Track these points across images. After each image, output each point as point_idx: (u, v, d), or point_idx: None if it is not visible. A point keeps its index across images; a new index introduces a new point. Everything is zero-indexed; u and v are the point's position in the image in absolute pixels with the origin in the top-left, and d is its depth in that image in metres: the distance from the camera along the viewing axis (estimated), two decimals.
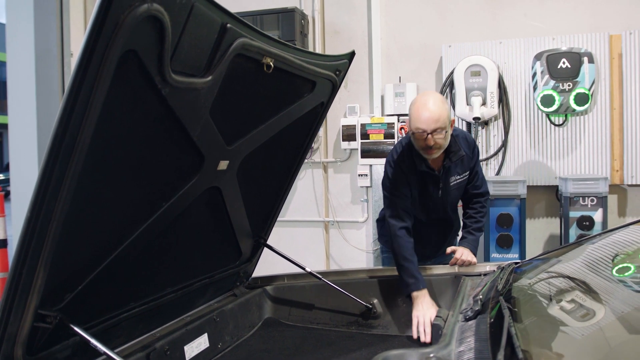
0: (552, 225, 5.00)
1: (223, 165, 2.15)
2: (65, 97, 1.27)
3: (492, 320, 1.80)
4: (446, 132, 2.65)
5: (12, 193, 6.05)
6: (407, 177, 2.86)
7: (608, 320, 1.74)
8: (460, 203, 3.16)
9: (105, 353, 1.58)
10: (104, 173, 1.54)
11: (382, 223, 3.26)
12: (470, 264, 2.80)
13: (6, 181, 10.37)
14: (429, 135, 2.61)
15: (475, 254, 2.90)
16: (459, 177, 2.93)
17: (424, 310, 2.54)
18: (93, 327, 1.78)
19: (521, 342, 1.56)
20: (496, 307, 1.88)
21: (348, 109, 5.40)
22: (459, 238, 3.12)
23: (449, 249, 2.92)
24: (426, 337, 2.45)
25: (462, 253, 2.83)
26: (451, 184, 2.92)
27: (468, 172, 2.96)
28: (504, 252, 4.45)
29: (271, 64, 2.02)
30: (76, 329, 1.59)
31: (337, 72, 2.58)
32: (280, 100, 2.37)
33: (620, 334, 1.63)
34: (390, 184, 2.88)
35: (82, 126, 1.33)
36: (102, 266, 1.72)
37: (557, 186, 4.87)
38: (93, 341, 1.58)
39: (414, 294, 2.60)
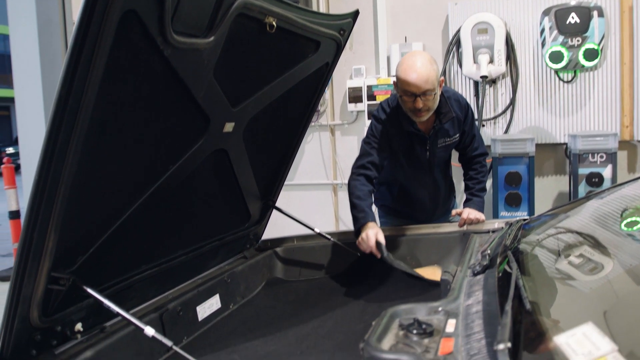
0: (561, 183, 4.99)
1: (229, 127, 2.15)
2: (67, 59, 1.27)
3: (500, 274, 1.81)
4: (435, 93, 2.58)
5: (22, 166, 6.10)
6: (390, 137, 2.80)
7: (616, 273, 1.74)
8: (456, 163, 3.14)
9: (118, 313, 1.61)
10: (109, 135, 1.55)
11: (377, 187, 3.23)
12: (479, 221, 2.78)
13: (16, 154, 10.44)
14: (418, 98, 2.55)
15: (483, 213, 2.87)
16: (448, 139, 2.86)
17: (368, 233, 2.51)
18: (106, 289, 1.81)
19: (529, 294, 1.57)
20: (504, 262, 1.89)
21: (354, 70, 5.35)
22: (463, 201, 3.06)
23: (454, 211, 2.90)
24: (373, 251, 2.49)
25: (469, 212, 2.80)
26: (439, 146, 2.86)
27: (459, 135, 2.89)
28: (512, 211, 4.46)
29: (274, 23, 2.00)
30: (89, 290, 1.61)
31: (342, 32, 2.55)
32: (285, 61, 2.35)
33: (628, 286, 1.64)
34: (368, 137, 2.83)
35: (85, 88, 1.33)
36: (113, 229, 1.74)
37: (566, 143, 4.84)
38: (106, 302, 1.61)
39: (364, 226, 2.57)
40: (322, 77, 2.71)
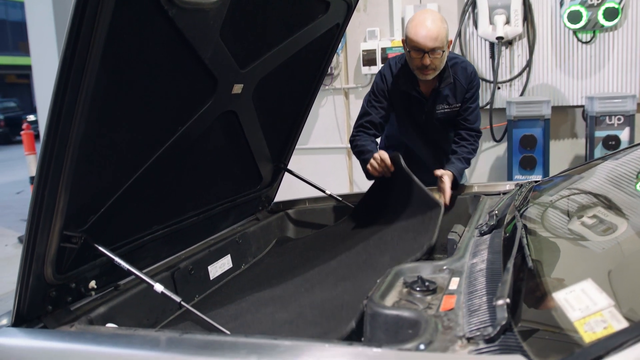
0: (578, 146, 4.94)
1: (237, 89, 2.15)
2: (71, 19, 1.28)
3: (507, 234, 1.82)
4: (443, 52, 2.58)
5: (41, 132, 6.17)
6: (391, 94, 2.81)
7: (626, 234, 1.74)
8: None
9: (129, 270, 1.65)
10: (116, 96, 1.56)
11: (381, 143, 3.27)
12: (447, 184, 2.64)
13: (37, 122, 10.57)
14: (426, 55, 2.55)
15: (459, 183, 2.76)
16: (447, 106, 2.82)
17: (379, 153, 2.56)
18: (118, 248, 1.85)
19: (532, 252, 1.58)
20: (512, 222, 1.90)
21: (368, 33, 5.29)
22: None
23: (436, 171, 2.72)
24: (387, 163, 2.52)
25: (443, 173, 2.66)
26: (437, 111, 2.83)
27: (459, 104, 2.84)
28: (527, 174, 4.43)
29: None
30: (101, 248, 1.65)
31: None
32: (293, 22, 2.33)
33: (636, 246, 1.64)
34: (369, 95, 2.88)
35: (90, 49, 1.34)
36: (123, 189, 1.77)
37: (583, 106, 4.76)
38: (117, 259, 1.65)
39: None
40: (333, 38, 2.69)
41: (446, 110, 2.85)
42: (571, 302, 1.19)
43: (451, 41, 2.70)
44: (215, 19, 1.79)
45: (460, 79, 2.78)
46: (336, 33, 2.67)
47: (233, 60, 2.03)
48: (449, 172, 2.69)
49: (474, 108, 2.87)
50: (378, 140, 2.91)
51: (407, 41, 2.62)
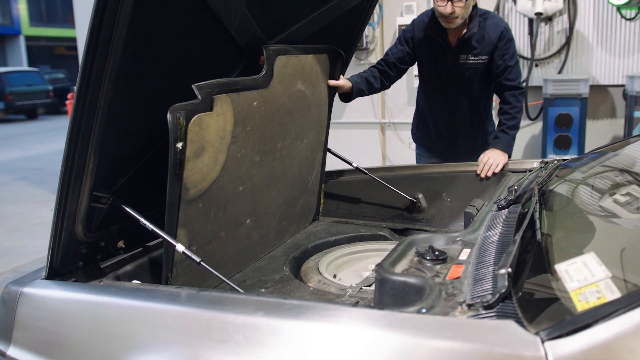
0: (616, 127, 4.83)
1: (264, 60, 2.20)
2: None
3: (525, 210, 1.83)
4: (467, 1, 2.66)
5: None
6: (416, 42, 2.95)
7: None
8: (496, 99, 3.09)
9: (154, 231, 1.73)
10: (143, 65, 1.63)
11: (413, 122, 3.37)
12: (498, 166, 2.71)
13: None
14: (449, 3, 2.65)
15: (509, 154, 2.81)
16: (473, 57, 2.85)
17: None
18: (146, 211, 1.93)
19: (545, 226, 1.60)
20: (532, 198, 1.91)
21: (405, 7, 5.24)
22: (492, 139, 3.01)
23: (481, 158, 2.79)
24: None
25: (489, 157, 2.74)
26: (461, 61, 2.87)
27: (487, 58, 2.85)
28: (561, 153, 4.37)
29: None
30: (128, 209, 1.74)
31: None
32: None
33: None
34: (395, 40, 3.08)
35: (117, 17, 1.41)
36: (150, 155, 1.85)
37: (623, 85, 4.64)
38: (142, 219, 1.73)
39: None
40: (364, 12, 2.69)
41: (471, 61, 2.88)
42: (571, 273, 1.21)
43: None
44: None
45: (489, 32, 2.82)
46: (367, 6, 2.67)
47: (260, 31, 2.07)
48: (494, 152, 2.76)
49: (512, 65, 2.86)
50: (389, 77, 3.05)
51: None
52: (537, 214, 1.61)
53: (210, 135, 1.77)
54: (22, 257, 5.14)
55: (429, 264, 1.55)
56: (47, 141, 13.38)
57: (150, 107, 1.76)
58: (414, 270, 1.53)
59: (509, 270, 1.24)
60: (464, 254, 1.60)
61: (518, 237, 1.44)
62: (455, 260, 1.55)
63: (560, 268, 1.25)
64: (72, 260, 1.73)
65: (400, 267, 1.55)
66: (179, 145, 1.62)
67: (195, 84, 1.70)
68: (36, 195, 7.74)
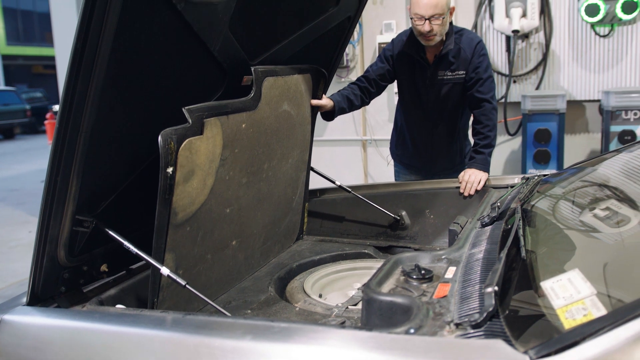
0: (593, 141, 4.91)
1: (247, 80, 2.20)
2: (81, 13, 1.34)
3: (508, 226, 1.85)
4: (444, 18, 2.73)
5: None
6: (396, 59, 3.00)
7: (628, 227, 1.76)
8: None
9: (138, 255, 1.71)
10: (126, 87, 1.62)
11: (391, 139, 3.41)
12: (480, 183, 2.74)
13: None
14: (427, 21, 2.71)
15: (488, 172, 2.83)
16: (450, 73, 2.91)
17: None
18: (129, 234, 1.91)
19: (528, 243, 1.61)
20: (514, 214, 1.92)
21: (384, 26, 5.30)
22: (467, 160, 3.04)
23: (460, 177, 2.83)
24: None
25: (470, 174, 2.77)
26: (439, 77, 2.92)
27: (464, 72, 2.90)
28: (541, 168, 4.43)
29: None
30: (111, 232, 1.72)
31: None
32: (304, 15, 2.37)
33: (636, 239, 1.66)
34: (376, 59, 3.14)
35: (100, 41, 1.40)
36: (133, 177, 1.84)
37: (599, 100, 4.73)
38: (126, 243, 1.71)
39: None
40: (345, 31, 2.72)
41: (449, 76, 2.93)
42: (557, 290, 1.22)
43: (453, 8, 2.82)
44: (225, 11, 1.84)
45: (465, 48, 2.88)
46: (347, 26, 2.70)
47: (242, 52, 2.08)
48: (473, 170, 2.79)
49: (484, 79, 2.90)
50: (369, 93, 3.09)
51: (410, 9, 2.80)
52: (520, 231, 1.62)
53: (200, 159, 1.76)
54: (0, 280, 5.05)
55: (415, 283, 1.56)
56: (25, 161, 13.23)
57: (133, 129, 1.75)
58: (401, 289, 1.53)
59: (496, 288, 1.24)
60: (450, 272, 1.60)
61: (503, 254, 1.45)
62: (441, 279, 1.56)
63: (546, 285, 1.27)
64: (54, 286, 1.70)
65: (386, 286, 1.55)
66: (169, 170, 1.61)
67: (186, 108, 1.70)
68: (15, 216, 7.63)
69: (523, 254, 1.48)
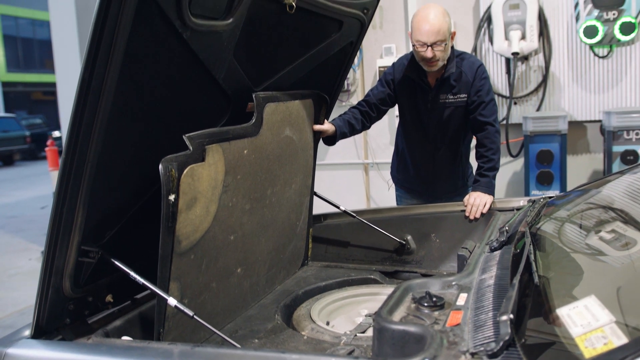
0: (595, 161, 4.90)
1: (252, 107, 2.20)
2: (89, 42, 1.34)
3: (517, 251, 1.83)
4: (446, 44, 2.74)
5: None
6: (397, 83, 3.00)
7: (637, 250, 1.74)
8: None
9: (144, 284, 1.69)
10: (132, 116, 1.62)
11: (392, 163, 3.40)
12: (485, 206, 2.74)
13: (61, 138, 10.81)
14: (429, 48, 2.72)
15: (492, 194, 2.82)
16: (452, 96, 2.92)
17: None
18: (134, 263, 1.89)
19: (540, 269, 1.59)
20: (523, 238, 1.91)
21: (384, 49, 5.33)
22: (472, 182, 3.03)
23: (465, 199, 2.84)
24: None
25: (475, 198, 2.77)
26: (441, 100, 2.93)
27: (466, 96, 2.91)
28: (544, 189, 4.41)
29: (293, 3, 2.03)
30: (117, 263, 1.70)
31: (365, 11, 2.56)
32: (307, 41, 2.38)
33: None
34: (377, 82, 3.14)
35: (107, 71, 1.40)
36: (139, 206, 1.82)
37: (600, 120, 4.74)
38: (132, 273, 1.69)
39: None
40: (347, 56, 2.73)
41: (450, 99, 2.93)
42: (574, 318, 1.20)
43: (454, 33, 2.83)
44: (229, 39, 1.85)
45: (466, 71, 2.89)
46: (350, 51, 2.71)
47: (247, 79, 2.08)
48: (478, 193, 2.79)
49: (487, 102, 2.90)
50: (370, 118, 3.09)
51: (412, 36, 2.80)
52: (532, 256, 1.60)
53: (202, 186, 1.75)
54: (0, 310, 5.00)
55: (427, 311, 1.53)
56: (24, 188, 13.21)
57: (139, 158, 1.74)
58: (412, 317, 1.51)
59: (511, 316, 1.22)
60: (462, 299, 1.58)
61: (516, 280, 1.43)
62: (453, 306, 1.53)
63: (562, 313, 1.24)
64: (59, 318, 1.68)
65: (398, 314, 1.52)
66: (172, 197, 1.60)
67: (186, 135, 1.69)
68: (14, 244, 7.59)
69: (536, 279, 1.46)
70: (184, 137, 1.68)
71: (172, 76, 1.72)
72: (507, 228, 2.11)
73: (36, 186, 13.10)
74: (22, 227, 8.66)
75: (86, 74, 1.37)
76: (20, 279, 5.89)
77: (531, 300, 1.41)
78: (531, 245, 1.70)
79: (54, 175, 6.92)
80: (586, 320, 1.17)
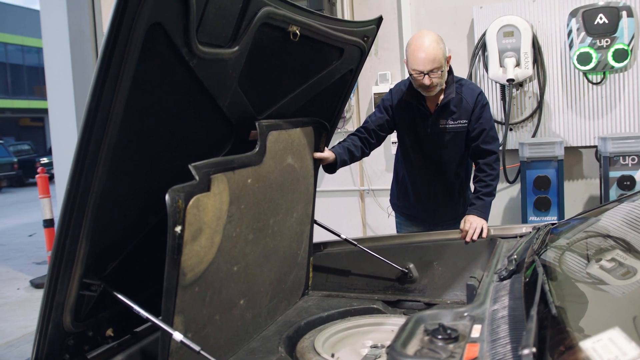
0: (592, 187, 4.91)
1: (255, 135, 2.17)
2: (96, 72, 1.31)
3: (527, 279, 1.80)
4: (442, 70, 2.75)
5: (55, 175, 6.24)
6: (395, 109, 3.00)
7: None
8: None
9: (147, 318, 1.64)
10: (137, 145, 1.59)
11: (391, 190, 3.39)
12: (482, 230, 2.74)
13: (50, 164, 10.72)
14: (426, 76, 2.73)
15: (486, 219, 2.82)
16: (452, 122, 2.93)
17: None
18: (136, 295, 1.84)
19: (555, 299, 1.56)
20: (531, 267, 1.87)
21: (379, 76, 5.36)
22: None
23: (461, 227, 2.83)
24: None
25: (471, 222, 2.77)
26: (440, 126, 2.93)
27: (466, 122, 2.92)
28: (542, 215, 4.40)
29: (297, 32, 2.03)
30: (119, 296, 1.65)
31: (365, 39, 2.56)
32: (309, 68, 2.37)
33: None
34: (375, 109, 3.13)
35: (114, 100, 1.37)
36: (141, 237, 1.78)
37: (596, 146, 4.76)
38: (135, 307, 1.64)
39: None
40: (347, 83, 2.72)
41: (451, 125, 2.93)
42: (599, 351, 1.16)
43: (450, 57, 2.85)
44: (234, 67, 1.83)
45: (466, 97, 2.91)
46: (350, 78, 2.71)
47: (250, 107, 2.06)
48: (472, 217, 2.79)
49: (488, 129, 2.92)
50: (369, 144, 3.07)
51: (407, 65, 2.81)
52: (546, 286, 1.57)
53: (207, 217, 1.70)
54: None
55: (441, 343, 1.48)
56: (11, 215, 13.01)
57: (142, 189, 1.71)
58: (427, 351, 1.46)
59: (534, 350, 1.18)
60: (476, 331, 1.54)
61: (534, 312, 1.39)
62: (468, 339, 1.49)
63: (587, 346, 1.20)
64: (58, 354, 1.62)
65: (411, 347, 1.48)
66: (178, 229, 1.55)
67: (192, 164, 1.65)
68: (1, 273, 7.43)
69: (554, 310, 1.42)
70: (189, 166, 1.64)
71: (177, 104, 1.69)
72: (515, 256, 2.08)
73: (24, 213, 12.92)
74: (9, 255, 8.50)
75: (93, 103, 1.34)
76: (8, 310, 5.75)
77: (550, 332, 1.37)
78: (544, 275, 1.67)
79: (45, 202, 6.81)
80: (613, 354, 1.13)
